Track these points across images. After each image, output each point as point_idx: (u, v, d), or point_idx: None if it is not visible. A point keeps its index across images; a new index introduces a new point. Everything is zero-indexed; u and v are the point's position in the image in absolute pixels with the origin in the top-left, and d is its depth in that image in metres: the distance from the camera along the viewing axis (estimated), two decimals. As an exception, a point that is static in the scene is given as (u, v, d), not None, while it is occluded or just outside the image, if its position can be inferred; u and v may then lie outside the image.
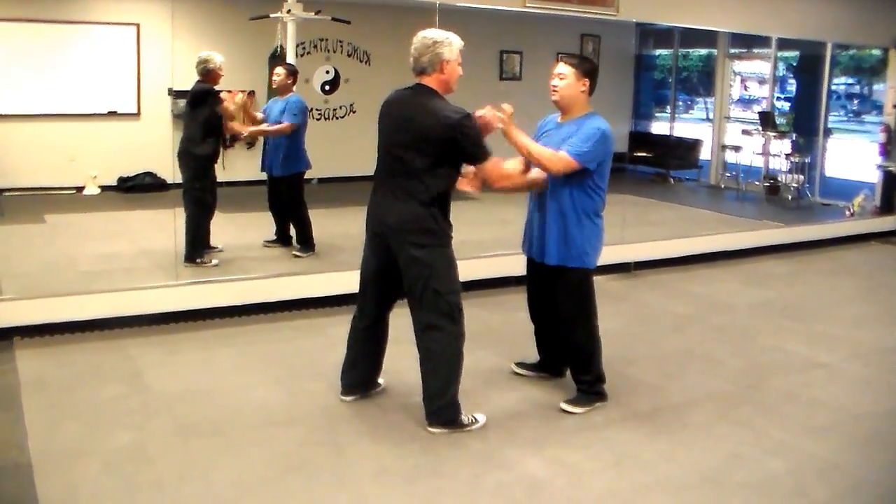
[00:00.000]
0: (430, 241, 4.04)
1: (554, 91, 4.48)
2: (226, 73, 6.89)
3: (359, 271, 4.39)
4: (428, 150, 3.98)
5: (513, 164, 4.50)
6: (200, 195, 6.87)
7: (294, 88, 7.40)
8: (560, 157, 4.28)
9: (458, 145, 3.97)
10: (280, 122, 7.17)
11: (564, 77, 4.44)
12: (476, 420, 4.27)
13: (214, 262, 6.90)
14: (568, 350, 4.68)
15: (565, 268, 4.48)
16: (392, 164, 4.09)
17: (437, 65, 4.02)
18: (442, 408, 4.18)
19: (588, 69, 4.46)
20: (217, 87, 6.85)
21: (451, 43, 4.05)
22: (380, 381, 4.64)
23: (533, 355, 5.07)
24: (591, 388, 4.61)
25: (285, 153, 7.22)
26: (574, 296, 4.54)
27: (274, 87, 7.41)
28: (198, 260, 6.79)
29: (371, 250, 4.28)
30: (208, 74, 6.78)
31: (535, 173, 4.47)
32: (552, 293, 4.61)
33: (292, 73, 7.37)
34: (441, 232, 4.07)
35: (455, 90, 4.18)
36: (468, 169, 4.24)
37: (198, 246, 6.85)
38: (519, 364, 5.12)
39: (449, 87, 4.11)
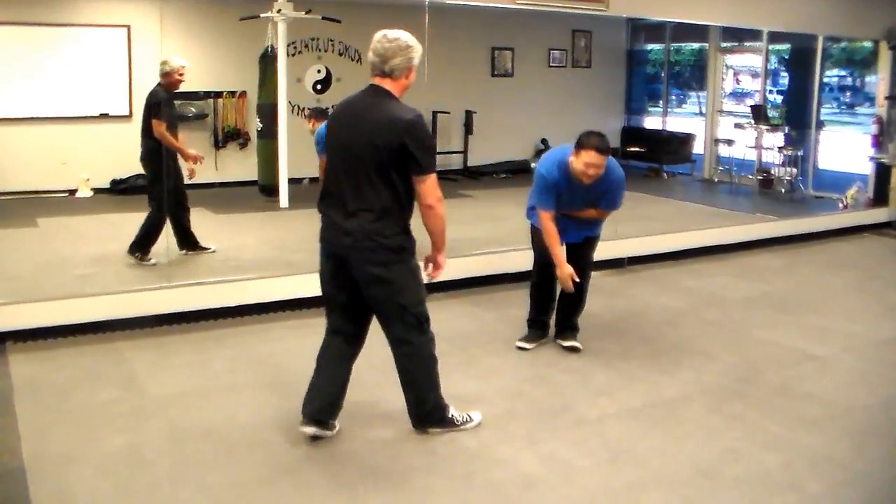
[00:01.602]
0: (389, 257, 3.81)
1: (590, 178, 4.94)
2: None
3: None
4: (379, 156, 3.72)
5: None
6: (163, 195, 6.90)
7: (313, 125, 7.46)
8: (607, 214, 5.29)
9: (406, 149, 3.69)
10: None
11: (601, 168, 4.93)
12: (471, 418, 4.26)
13: (153, 261, 6.92)
14: (581, 295, 5.40)
15: (595, 237, 5.43)
16: (344, 175, 3.84)
17: (406, 70, 3.82)
18: (429, 413, 4.15)
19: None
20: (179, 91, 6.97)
21: (419, 49, 3.85)
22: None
23: (524, 356, 5.07)
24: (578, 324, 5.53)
25: None
26: (593, 253, 5.48)
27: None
28: (137, 255, 6.89)
29: (329, 270, 3.99)
30: (164, 77, 6.79)
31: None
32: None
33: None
34: (398, 246, 3.83)
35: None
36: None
37: (147, 243, 6.92)
38: (524, 339, 5.46)
39: (404, 93, 3.90)
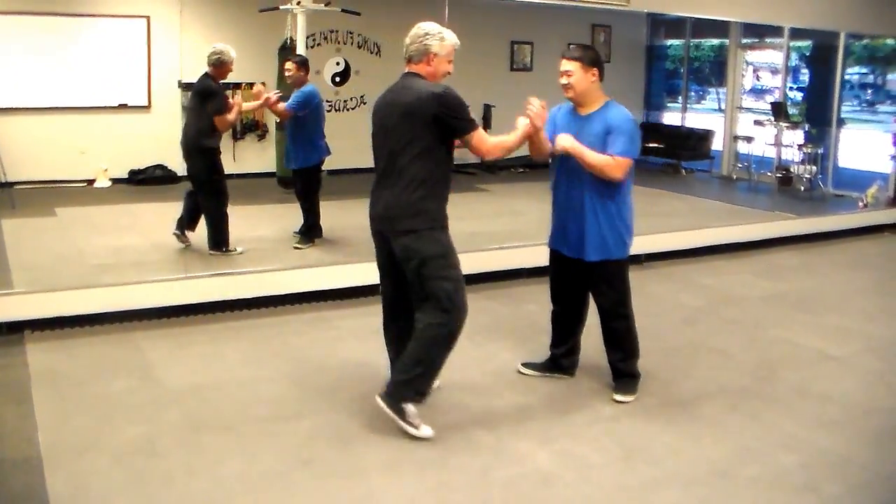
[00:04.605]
0: (416, 224, 3.98)
1: (567, 89, 4.49)
2: (236, 65, 6.87)
3: (369, 263, 4.37)
4: (411, 131, 3.96)
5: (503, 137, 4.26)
6: (220, 186, 6.94)
7: (308, 79, 7.40)
8: (619, 163, 4.36)
9: (441, 120, 3.94)
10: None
11: (572, 74, 4.45)
12: (418, 427, 4.05)
13: (240, 249, 6.98)
14: (616, 337, 4.70)
15: (608, 261, 4.58)
16: (382, 154, 4.11)
17: (423, 55, 4.06)
18: (398, 384, 4.06)
19: (593, 58, 4.51)
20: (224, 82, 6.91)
21: (442, 38, 4.08)
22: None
23: (539, 353, 5.05)
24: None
25: (300, 146, 7.27)
26: (615, 287, 4.66)
27: (289, 82, 7.40)
28: (224, 249, 6.91)
29: (377, 249, 4.21)
30: (221, 66, 6.77)
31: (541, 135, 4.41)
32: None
33: (302, 64, 7.36)
34: (428, 215, 4.00)
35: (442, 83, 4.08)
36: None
37: (225, 234, 6.95)
38: (526, 365, 4.98)
39: (435, 78, 4.10)
